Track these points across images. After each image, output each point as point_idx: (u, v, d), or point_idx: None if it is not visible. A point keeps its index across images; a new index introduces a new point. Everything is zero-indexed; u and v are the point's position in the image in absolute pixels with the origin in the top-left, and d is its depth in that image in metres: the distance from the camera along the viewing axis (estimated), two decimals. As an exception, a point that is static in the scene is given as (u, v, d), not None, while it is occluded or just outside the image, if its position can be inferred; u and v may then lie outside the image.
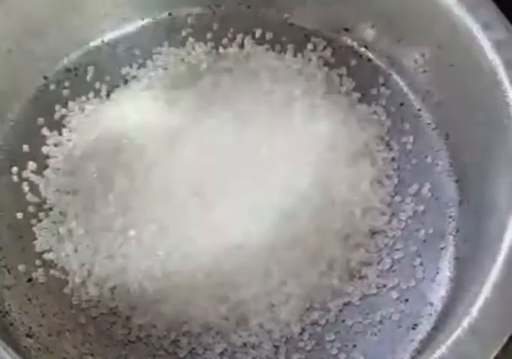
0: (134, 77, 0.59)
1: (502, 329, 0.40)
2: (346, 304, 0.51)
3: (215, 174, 0.52)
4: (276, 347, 0.50)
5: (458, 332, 0.40)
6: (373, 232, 0.53)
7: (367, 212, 0.53)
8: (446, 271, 0.52)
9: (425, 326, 0.50)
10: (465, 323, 0.40)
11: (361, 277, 0.52)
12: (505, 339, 0.39)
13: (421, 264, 0.52)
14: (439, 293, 0.51)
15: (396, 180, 0.55)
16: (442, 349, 0.39)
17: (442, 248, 0.52)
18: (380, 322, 0.50)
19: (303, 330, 0.50)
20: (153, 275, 0.50)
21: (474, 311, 0.40)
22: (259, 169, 0.52)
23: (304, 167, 0.53)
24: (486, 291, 0.41)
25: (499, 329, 0.40)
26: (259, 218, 0.51)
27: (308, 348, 0.50)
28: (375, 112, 0.58)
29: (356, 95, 0.58)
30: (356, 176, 0.54)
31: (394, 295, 0.51)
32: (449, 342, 0.40)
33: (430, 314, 0.50)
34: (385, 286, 0.52)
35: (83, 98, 0.57)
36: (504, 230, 0.44)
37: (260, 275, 0.50)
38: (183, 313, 0.50)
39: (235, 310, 0.50)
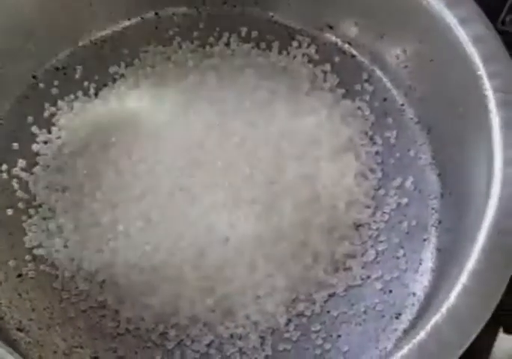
0: (122, 76, 0.59)
1: (480, 315, 0.41)
2: (331, 296, 0.52)
3: (201, 169, 0.53)
4: (262, 338, 0.51)
5: (437, 318, 0.41)
6: (358, 225, 0.54)
7: (352, 205, 0.54)
8: (428, 261, 0.53)
9: (408, 316, 0.51)
10: (444, 309, 0.41)
11: (345, 269, 0.53)
12: (482, 325, 0.40)
13: (404, 255, 0.53)
14: (421, 283, 0.52)
15: (380, 174, 0.56)
16: (421, 335, 0.40)
17: (425, 239, 0.53)
18: (364, 312, 0.51)
19: (289, 321, 0.51)
20: (140, 269, 0.51)
21: (453, 297, 0.41)
22: (244, 164, 0.53)
23: (288, 162, 0.54)
24: (463, 278, 0.42)
25: (477, 315, 0.41)
26: (244, 211, 0.52)
27: (294, 338, 0.51)
28: (359, 108, 0.59)
29: (340, 91, 0.59)
30: (340, 169, 0.55)
31: (378, 285, 0.52)
32: (428, 327, 0.40)
33: (413, 304, 0.51)
34: (369, 277, 0.53)
35: (72, 96, 0.58)
36: (481, 220, 0.45)
37: (245, 268, 0.51)
38: (170, 306, 0.51)
39: (222, 302, 0.51)
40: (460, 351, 0.39)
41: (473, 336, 0.40)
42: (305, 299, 0.52)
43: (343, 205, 0.54)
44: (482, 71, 0.49)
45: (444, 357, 0.40)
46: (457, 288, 0.42)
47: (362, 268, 0.53)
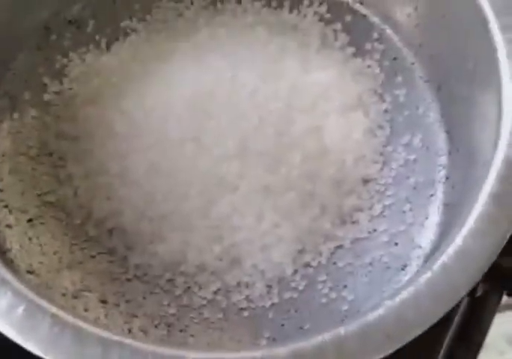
0: (133, 30, 0.60)
1: (487, 254, 0.41)
2: (337, 247, 0.53)
3: (211, 120, 0.53)
4: (269, 286, 0.51)
5: (444, 258, 0.41)
6: (365, 180, 0.55)
7: (360, 160, 0.55)
8: (435, 216, 0.53)
9: (413, 267, 0.51)
10: (451, 250, 0.41)
11: (352, 222, 0.53)
12: (489, 264, 0.41)
13: (411, 209, 0.54)
14: (427, 237, 0.52)
15: (388, 131, 0.56)
16: (429, 274, 0.41)
17: (432, 195, 0.54)
18: (370, 264, 0.52)
19: (295, 271, 0.52)
20: (149, 217, 0.52)
21: (459, 239, 0.42)
22: (254, 115, 0.53)
23: (298, 115, 0.54)
24: (471, 221, 0.42)
25: (484, 254, 0.41)
26: (253, 162, 0.52)
27: (300, 287, 0.51)
28: (369, 66, 0.59)
29: (351, 49, 0.59)
30: (349, 125, 0.55)
31: (385, 238, 0.53)
32: (435, 267, 0.41)
33: (419, 256, 0.52)
34: (375, 230, 0.53)
35: (83, 49, 0.58)
36: (488, 170, 0.45)
37: (253, 217, 0.51)
38: (178, 254, 0.51)
39: (229, 250, 0.51)
40: (468, 289, 0.40)
41: (480, 276, 0.40)
42: (311, 250, 0.52)
43: (352, 159, 0.54)
44: (493, 23, 0.49)
45: (452, 295, 0.40)
46: (464, 230, 0.42)
47: (369, 221, 0.53)
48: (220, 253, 0.51)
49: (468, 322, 0.53)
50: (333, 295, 0.51)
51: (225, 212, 0.51)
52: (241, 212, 0.52)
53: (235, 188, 0.52)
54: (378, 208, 0.54)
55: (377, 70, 0.59)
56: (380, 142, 0.56)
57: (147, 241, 0.52)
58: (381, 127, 0.56)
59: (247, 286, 0.51)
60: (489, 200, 0.43)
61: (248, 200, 0.52)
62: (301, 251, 0.52)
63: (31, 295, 0.40)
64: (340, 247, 0.53)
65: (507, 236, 0.42)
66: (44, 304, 0.40)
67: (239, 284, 0.51)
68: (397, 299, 0.40)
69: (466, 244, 0.41)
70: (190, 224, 0.51)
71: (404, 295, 0.40)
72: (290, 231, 0.52)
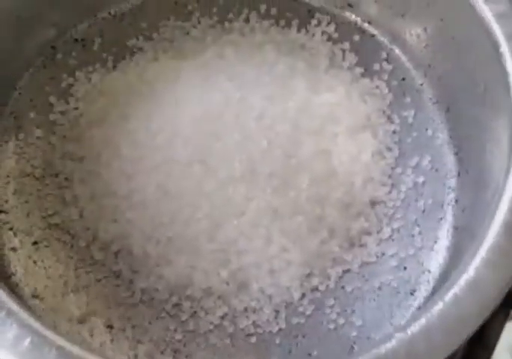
0: (140, 49, 0.59)
1: (499, 287, 0.41)
2: (345, 272, 0.52)
3: (218, 142, 0.53)
4: (276, 311, 0.51)
5: (455, 289, 0.41)
6: (374, 202, 0.54)
7: (368, 183, 0.54)
8: (444, 240, 0.53)
9: (423, 292, 0.51)
10: (463, 281, 0.41)
11: (361, 246, 0.53)
12: (502, 298, 0.40)
13: (420, 233, 0.53)
14: (437, 261, 0.52)
15: (397, 152, 0.56)
16: (440, 305, 0.40)
17: (441, 218, 0.53)
18: (379, 288, 0.51)
19: (303, 295, 0.51)
20: (156, 240, 0.51)
21: (472, 270, 0.41)
22: (261, 137, 0.53)
23: (306, 137, 0.54)
24: (483, 251, 0.42)
25: (496, 287, 0.41)
26: (261, 185, 0.52)
27: (308, 312, 0.51)
28: (377, 86, 0.58)
29: (359, 70, 0.59)
30: (357, 147, 0.55)
31: (393, 262, 0.52)
32: (447, 298, 0.40)
33: (428, 281, 0.51)
34: (384, 254, 0.53)
35: (90, 68, 0.58)
36: (501, 196, 0.45)
37: (261, 241, 0.51)
38: (185, 278, 0.51)
39: (236, 275, 0.51)
40: (480, 322, 0.39)
41: (492, 308, 0.40)
42: (319, 274, 0.52)
43: (360, 182, 0.54)
44: (505, 48, 0.49)
45: (464, 328, 0.39)
46: (476, 261, 0.42)
47: (377, 245, 0.53)
48: (227, 277, 0.51)
49: (474, 340, 0.53)
50: (341, 320, 0.50)
51: (232, 236, 0.51)
52: (248, 235, 0.51)
53: (242, 211, 0.51)
54: (386, 231, 0.53)
55: (385, 91, 0.58)
56: (389, 164, 0.56)
57: (154, 265, 0.51)
58: (389, 149, 0.56)
59: (254, 311, 0.51)
60: (502, 230, 0.42)
61: (255, 223, 0.51)
62: (309, 275, 0.52)
63: (37, 325, 0.40)
64: (348, 271, 0.52)
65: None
66: (50, 335, 0.39)
67: (246, 309, 0.51)
68: (409, 332, 0.39)
69: (478, 275, 0.41)
70: (197, 247, 0.51)
71: (415, 327, 0.40)
72: (298, 255, 0.51)
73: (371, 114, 0.57)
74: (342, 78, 0.58)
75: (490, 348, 0.52)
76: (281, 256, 0.51)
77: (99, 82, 0.58)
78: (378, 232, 0.53)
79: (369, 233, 0.53)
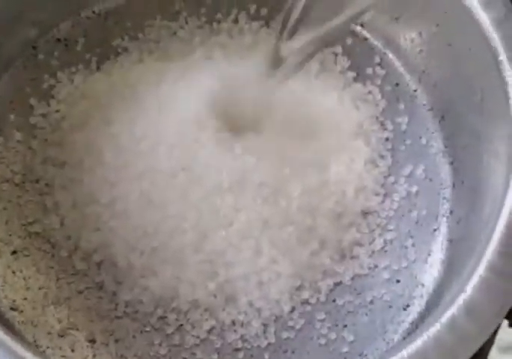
0: (125, 49, 0.57)
1: (498, 307, 0.39)
2: (337, 284, 0.51)
3: (204, 149, 0.51)
4: (265, 325, 0.49)
5: (453, 310, 0.39)
6: (366, 213, 0.53)
7: (360, 192, 0.53)
8: (438, 252, 0.51)
9: (416, 307, 0.50)
10: (461, 301, 0.39)
11: (352, 257, 0.51)
12: (501, 319, 0.39)
13: (413, 245, 0.52)
14: (430, 274, 0.51)
15: (390, 161, 0.55)
16: (437, 326, 0.39)
17: (435, 230, 0.52)
18: (371, 302, 0.50)
19: (293, 308, 0.50)
20: (140, 250, 0.49)
21: (469, 289, 0.40)
22: (250, 145, 0.51)
23: (297, 145, 0.52)
24: (480, 269, 0.40)
25: (495, 308, 0.39)
26: (250, 194, 0.50)
27: (298, 327, 0.49)
28: (370, 92, 0.57)
29: (351, 74, 0.57)
30: (350, 155, 0.54)
31: (386, 275, 0.51)
32: (444, 319, 0.39)
33: (422, 295, 0.50)
34: (376, 266, 0.51)
35: (73, 69, 0.56)
36: (499, 211, 0.43)
37: (250, 252, 0.49)
38: (170, 289, 0.49)
39: (224, 287, 0.49)
40: (478, 345, 0.38)
41: (492, 330, 0.38)
42: (310, 287, 0.50)
43: (352, 191, 0.52)
44: (503, 56, 0.47)
45: (461, 351, 0.38)
46: (474, 279, 0.40)
47: (369, 256, 0.52)
48: (214, 290, 0.49)
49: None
50: (332, 335, 0.49)
51: (220, 247, 0.49)
52: (236, 246, 0.49)
53: (230, 222, 0.50)
54: (379, 243, 0.52)
55: (378, 96, 0.57)
56: (381, 173, 0.54)
57: (138, 276, 0.49)
58: (382, 157, 0.55)
59: (242, 324, 0.49)
60: (500, 247, 0.41)
61: (244, 234, 0.50)
62: (299, 288, 0.50)
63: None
64: (339, 283, 0.51)
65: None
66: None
67: (234, 323, 0.49)
68: (405, 354, 0.38)
69: (476, 294, 0.39)
70: (183, 258, 0.49)
71: (412, 349, 0.38)
72: (288, 266, 0.50)
73: (364, 120, 0.55)
74: (334, 82, 0.56)
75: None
76: (270, 267, 0.49)
77: (82, 84, 0.55)
78: (370, 243, 0.52)
79: (361, 244, 0.52)
